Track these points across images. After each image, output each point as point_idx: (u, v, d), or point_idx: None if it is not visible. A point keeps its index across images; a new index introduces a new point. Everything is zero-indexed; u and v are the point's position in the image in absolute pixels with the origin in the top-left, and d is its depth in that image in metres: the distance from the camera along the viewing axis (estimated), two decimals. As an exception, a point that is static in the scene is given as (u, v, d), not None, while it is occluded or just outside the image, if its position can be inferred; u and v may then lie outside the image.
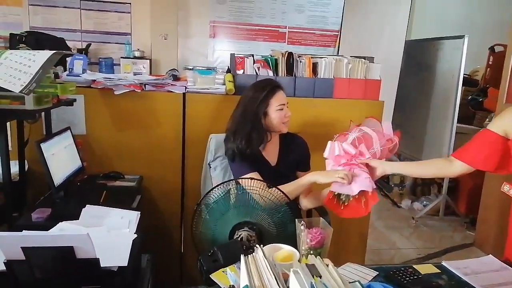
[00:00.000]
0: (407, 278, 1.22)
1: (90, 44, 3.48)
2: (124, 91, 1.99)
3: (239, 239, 1.30)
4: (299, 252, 1.04)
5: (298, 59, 2.25)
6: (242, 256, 0.86)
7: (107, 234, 1.24)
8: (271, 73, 2.23)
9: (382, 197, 4.20)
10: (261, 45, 4.11)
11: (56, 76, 1.80)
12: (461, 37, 3.18)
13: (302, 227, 1.07)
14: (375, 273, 1.26)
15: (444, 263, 1.35)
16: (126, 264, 1.04)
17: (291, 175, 1.75)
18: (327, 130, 2.32)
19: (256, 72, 2.21)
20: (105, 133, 2.08)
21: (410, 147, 3.94)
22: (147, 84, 2.08)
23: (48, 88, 1.51)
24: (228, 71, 2.40)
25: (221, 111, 2.14)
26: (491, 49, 4.55)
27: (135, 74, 3.53)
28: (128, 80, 2.04)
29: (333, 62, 2.27)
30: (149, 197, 2.14)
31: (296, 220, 1.14)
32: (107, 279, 1.02)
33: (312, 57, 2.28)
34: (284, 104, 1.70)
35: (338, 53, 4.32)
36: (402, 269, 1.27)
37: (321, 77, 2.28)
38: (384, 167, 1.48)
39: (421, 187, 4.11)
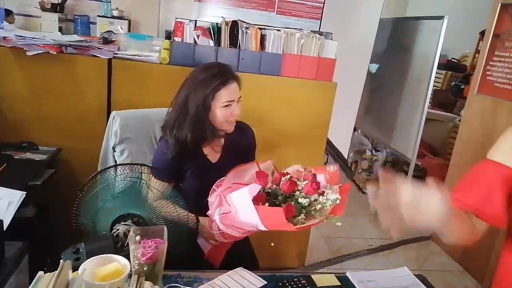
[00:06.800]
0: (296, 292, 1.07)
1: (66, -1, 3.17)
2: (37, 52, 1.77)
3: (115, 234, 1.13)
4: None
5: (244, 29, 2.02)
6: (39, 272, 0.70)
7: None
8: (212, 43, 2.00)
9: (349, 182, 4.06)
10: (250, 13, 3.81)
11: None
12: (441, 17, 2.91)
13: (137, 238, 0.89)
14: (262, 283, 1.10)
15: (348, 274, 1.20)
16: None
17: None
18: (272, 110, 2.14)
19: (195, 41, 1.99)
20: (19, 98, 1.87)
21: (381, 131, 3.76)
22: (68, 46, 1.86)
23: None
24: (168, 37, 2.17)
25: (152, 82, 1.94)
26: (482, 33, 4.27)
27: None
28: (44, 40, 1.81)
29: (283, 36, 2.04)
30: (69, 171, 1.96)
31: (132, 229, 0.96)
32: None
33: (260, 28, 2.05)
34: (233, 101, 1.41)
35: (320, 28, 4.04)
36: (295, 279, 1.12)
37: (269, 51, 2.06)
38: None
39: (389, 174, 3.96)
